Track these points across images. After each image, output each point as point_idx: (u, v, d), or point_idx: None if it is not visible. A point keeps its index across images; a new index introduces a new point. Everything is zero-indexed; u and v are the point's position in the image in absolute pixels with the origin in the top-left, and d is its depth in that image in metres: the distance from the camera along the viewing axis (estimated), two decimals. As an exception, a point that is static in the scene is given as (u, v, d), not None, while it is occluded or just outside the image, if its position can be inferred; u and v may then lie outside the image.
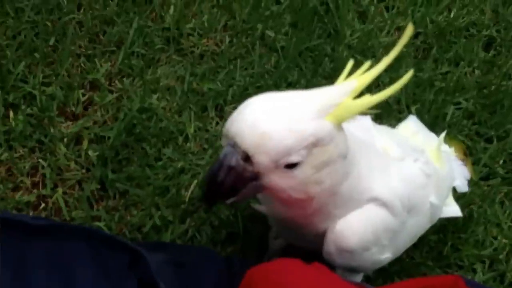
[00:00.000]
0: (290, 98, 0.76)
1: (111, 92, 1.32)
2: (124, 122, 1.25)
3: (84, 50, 1.38)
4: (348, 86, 0.76)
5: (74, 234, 0.72)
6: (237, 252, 1.14)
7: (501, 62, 1.57)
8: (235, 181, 0.74)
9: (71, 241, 0.71)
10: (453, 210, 1.12)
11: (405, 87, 1.42)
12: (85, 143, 1.22)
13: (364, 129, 0.95)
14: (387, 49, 1.58)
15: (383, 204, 0.86)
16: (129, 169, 1.19)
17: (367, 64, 0.81)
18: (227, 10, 1.52)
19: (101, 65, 1.35)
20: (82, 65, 1.35)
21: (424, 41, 1.60)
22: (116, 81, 1.34)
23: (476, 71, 1.55)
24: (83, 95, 1.30)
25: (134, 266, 0.73)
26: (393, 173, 0.90)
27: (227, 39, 1.48)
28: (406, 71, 1.58)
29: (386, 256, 0.92)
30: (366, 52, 1.52)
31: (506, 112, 1.45)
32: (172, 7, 1.48)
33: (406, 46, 1.56)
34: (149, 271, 0.71)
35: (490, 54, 1.60)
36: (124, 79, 1.35)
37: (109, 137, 1.23)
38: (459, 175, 1.18)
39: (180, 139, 1.27)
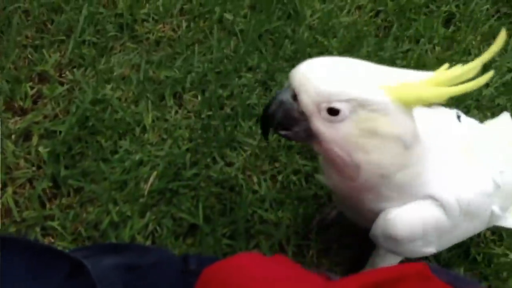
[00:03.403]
0: (356, 64, 0.79)
1: (62, 84, 1.26)
2: (76, 115, 1.19)
3: (31, 40, 1.31)
4: (424, 75, 0.78)
5: (6, 247, 0.68)
6: (197, 244, 1.11)
7: (461, 37, 1.57)
8: (284, 116, 0.80)
9: (3, 253, 0.66)
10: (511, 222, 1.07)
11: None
12: (35, 139, 1.16)
13: (449, 122, 0.96)
14: (348, 29, 1.56)
15: (441, 204, 0.86)
16: (83, 164, 1.14)
17: (445, 65, 0.81)
18: (182, -7, 1.47)
19: (50, 56, 1.29)
20: (30, 56, 1.29)
21: (385, 19, 1.58)
22: (67, 72, 1.28)
23: (437, 48, 1.54)
24: (32, 88, 1.24)
25: (75, 275, 0.69)
26: (462, 175, 0.89)
27: (184, 24, 1.43)
28: (367, 51, 1.54)
29: (430, 250, 0.92)
30: (327, 33, 1.49)
31: (467, 89, 1.45)
32: (124, -8, 1.42)
33: (367, 25, 1.55)
34: (90, 278, 0.68)
35: (450, 30, 1.59)
36: (75, 69, 1.29)
37: (60, 132, 1.17)
38: None
39: (137, 130, 1.23)
